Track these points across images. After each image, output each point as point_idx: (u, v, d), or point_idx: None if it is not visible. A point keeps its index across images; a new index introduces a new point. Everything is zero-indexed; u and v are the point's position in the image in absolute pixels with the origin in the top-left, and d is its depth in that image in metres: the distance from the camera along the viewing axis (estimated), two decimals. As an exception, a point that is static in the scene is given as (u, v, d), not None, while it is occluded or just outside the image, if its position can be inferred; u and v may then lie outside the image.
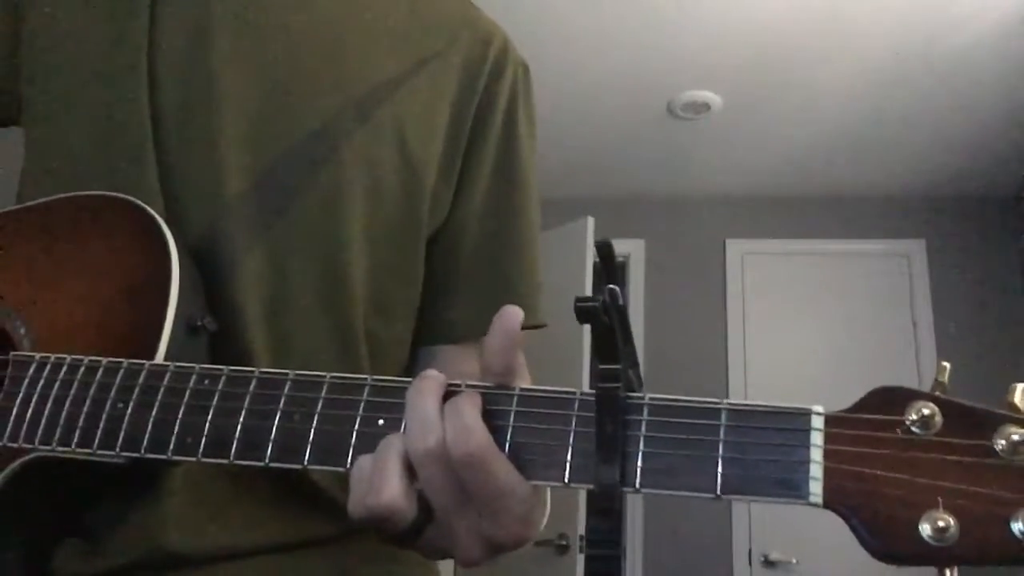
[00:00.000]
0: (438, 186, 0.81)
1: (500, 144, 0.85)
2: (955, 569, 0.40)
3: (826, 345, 4.20)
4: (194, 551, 0.66)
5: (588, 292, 3.53)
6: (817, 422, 0.44)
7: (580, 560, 3.32)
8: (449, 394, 0.52)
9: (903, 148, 3.98)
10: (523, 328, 0.84)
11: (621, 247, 4.49)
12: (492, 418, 0.51)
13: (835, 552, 3.56)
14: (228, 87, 0.73)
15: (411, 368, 0.84)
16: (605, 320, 0.47)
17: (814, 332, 4.25)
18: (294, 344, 0.72)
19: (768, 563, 3.94)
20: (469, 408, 0.50)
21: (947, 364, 0.43)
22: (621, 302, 0.49)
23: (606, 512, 0.49)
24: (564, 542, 3.34)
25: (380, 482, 0.50)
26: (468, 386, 0.53)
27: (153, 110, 0.72)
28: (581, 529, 3.35)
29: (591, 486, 0.48)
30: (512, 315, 0.52)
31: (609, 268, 0.51)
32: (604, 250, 0.51)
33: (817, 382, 4.10)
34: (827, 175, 4.28)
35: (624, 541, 4.10)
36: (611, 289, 0.49)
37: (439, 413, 0.51)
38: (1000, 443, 0.40)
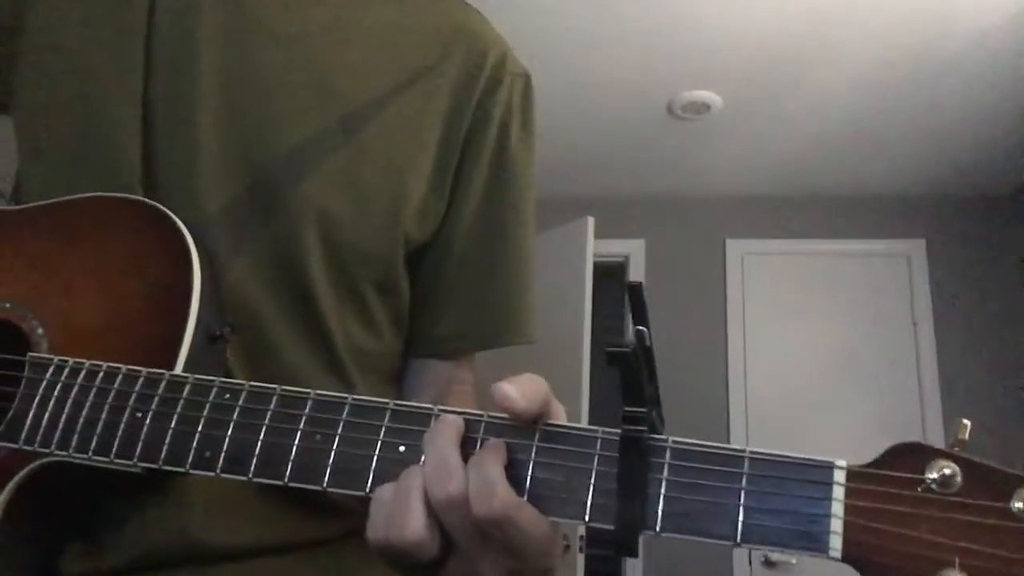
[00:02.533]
0: (428, 201, 0.80)
1: (493, 160, 0.84)
2: None
3: (826, 345, 4.20)
4: (198, 550, 0.66)
5: (588, 292, 3.55)
6: (839, 476, 0.45)
7: (580, 560, 3.33)
8: (470, 426, 0.52)
9: (903, 148, 3.98)
10: (513, 344, 0.84)
11: (621, 247, 4.49)
12: (513, 452, 0.51)
13: (834, 552, 3.57)
14: (212, 99, 0.73)
15: (403, 378, 0.85)
16: (635, 365, 0.48)
17: (814, 332, 4.25)
18: (275, 359, 0.72)
19: (768, 563, 3.95)
20: (492, 463, 0.50)
21: (967, 422, 0.44)
22: (649, 343, 0.49)
23: (626, 551, 0.49)
24: (564, 542, 3.34)
25: (404, 515, 0.50)
26: (490, 416, 0.53)
27: (145, 118, 0.72)
28: (581, 529, 3.35)
29: (611, 527, 0.48)
30: (503, 397, 0.50)
31: (638, 308, 0.51)
32: (634, 292, 0.51)
33: (817, 382, 4.12)
34: (827, 175, 4.27)
35: (624, 540, 4.10)
36: (639, 331, 0.49)
37: (459, 459, 0.50)
38: (1018, 505, 0.41)
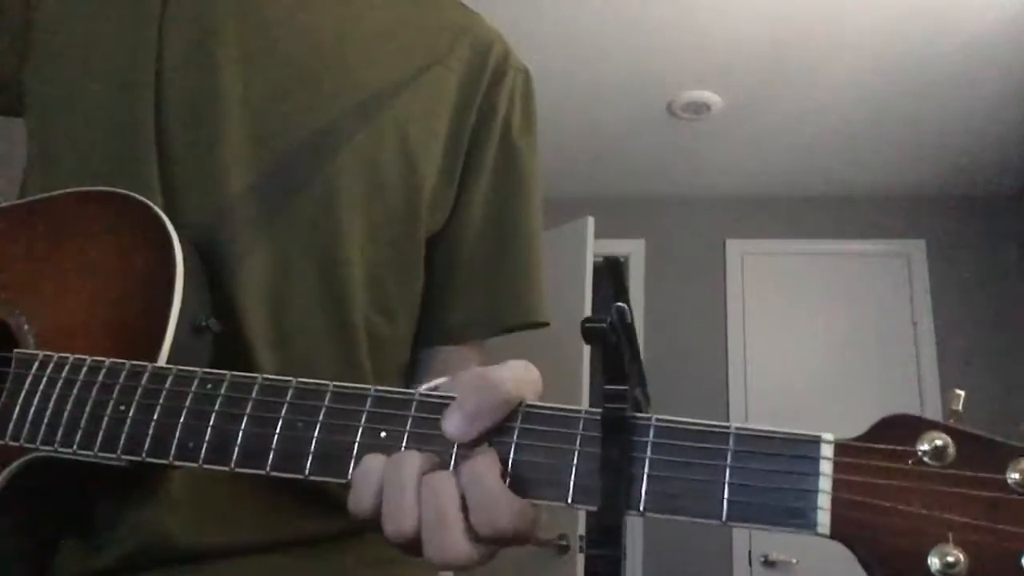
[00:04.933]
0: (438, 188, 0.81)
1: (500, 150, 0.86)
2: None
3: (826, 345, 4.20)
4: (192, 548, 0.66)
5: (588, 292, 3.54)
6: (826, 450, 0.43)
7: (580, 560, 3.32)
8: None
9: (903, 148, 3.98)
10: (526, 327, 0.84)
11: (621, 247, 4.49)
12: (495, 434, 0.50)
13: (835, 552, 3.57)
14: (231, 87, 0.74)
15: (412, 367, 0.85)
16: (613, 340, 0.47)
17: (814, 332, 4.25)
18: (296, 342, 0.72)
19: (768, 563, 3.95)
20: (490, 476, 0.48)
21: (961, 392, 0.42)
22: (629, 320, 0.48)
23: (608, 532, 0.48)
24: (564, 542, 3.33)
25: (400, 512, 0.49)
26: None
27: (158, 108, 0.73)
28: (581, 529, 3.34)
29: (594, 508, 0.47)
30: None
31: (618, 285, 0.50)
32: (613, 267, 0.50)
33: (817, 382, 4.11)
34: (827, 175, 4.27)
35: (624, 541, 4.10)
36: (619, 307, 0.48)
37: (416, 500, 0.48)
38: (1013, 477, 0.39)
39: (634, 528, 4.09)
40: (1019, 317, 4.12)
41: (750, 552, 3.99)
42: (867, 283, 4.29)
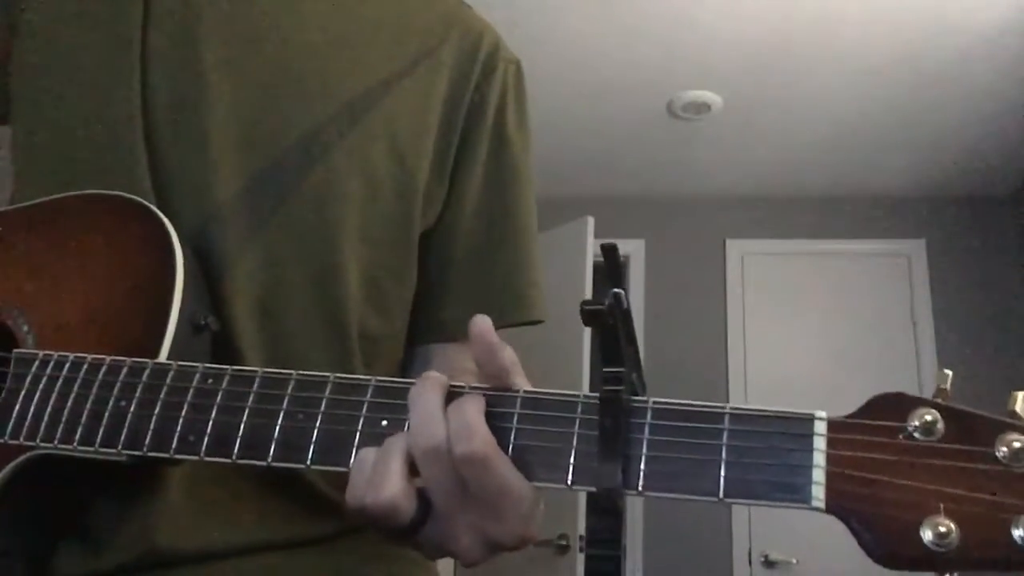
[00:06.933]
0: (430, 184, 0.81)
1: (492, 142, 0.85)
2: (955, 575, 0.40)
3: (826, 345, 4.20)
4: (188, 549, 0.66)
5: (588, 292, 3.55)
6: (820, 427, 0.45)
7: (580, 560, 3.32)
8: (452, 395, 0.53)
9: (903, 148, 3.98)
10: (521, 324, 0.84)
11: (621, 247, 4.48)
12: (496, 420, 0.51)
13: (835, 552, 3.56)
14: (218, 90, 0.73)
15: (405, 366, 0.85)
16: (610, 323, 0.48)
17: (814, 332, 4.25)
18: (287, 345, 0.72)
19: (768, 563, 3.95)
20: (472, 408, 0.51)
21: (949, 372, 0.43)
22: (626, 305, 0.49)
23: (608, 512, 0.49)
24: (564, 542, 3.34)
25: (381, 479, 0.51)
26: (471, 388, 0.53)
27: (145, 112, 0.72)
28: (581, 529, 3.35)
29: (593, 488, 0.48)
30: (480, 323, 0.53)
31: (614, 271, 0.51)
32: (609, 254, 0.51)
33: (817, 382, 4.10)
34: (827, 175, 4.28)
35: (624, 541, 4.10)
36: (616, 293, 0.49)
37: (442, 411, 0.51)
38: (1002, 450, 0.40)
39: (634, 528, 4.09)
40: (1019, 317, 4.12)
41: (750, 552, 3.99)
42: (867, 283, 4.29)
